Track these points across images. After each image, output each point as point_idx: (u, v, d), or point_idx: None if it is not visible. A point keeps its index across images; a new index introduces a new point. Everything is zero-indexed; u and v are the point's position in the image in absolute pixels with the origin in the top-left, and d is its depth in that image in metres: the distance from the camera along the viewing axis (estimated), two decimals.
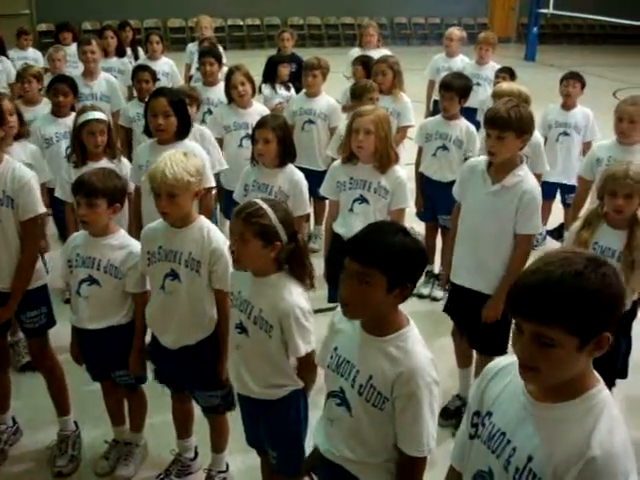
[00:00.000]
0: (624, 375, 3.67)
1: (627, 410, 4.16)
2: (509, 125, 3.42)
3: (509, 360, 1.84)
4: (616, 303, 1.61)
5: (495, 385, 1.85)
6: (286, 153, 4.17)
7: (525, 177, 3.55)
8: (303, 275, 2.77)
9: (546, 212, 6.22)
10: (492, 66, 7.35)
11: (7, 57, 7.97)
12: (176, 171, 2.96)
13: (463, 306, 3.78)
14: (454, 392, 4.07)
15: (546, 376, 1.63)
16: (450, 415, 3.89)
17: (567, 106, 6.04)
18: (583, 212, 3.61)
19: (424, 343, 2.24)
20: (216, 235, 3.09)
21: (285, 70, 6.62)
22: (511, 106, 3.49)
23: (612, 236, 3.39)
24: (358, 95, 5.26)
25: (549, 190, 5.96)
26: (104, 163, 4.20)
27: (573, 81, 5.98)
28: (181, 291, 3.08)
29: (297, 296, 2.72)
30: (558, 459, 1.63)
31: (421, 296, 5.32)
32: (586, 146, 5.86)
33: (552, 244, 5.91)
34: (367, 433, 2.25)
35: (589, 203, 4.53)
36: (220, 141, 5.32)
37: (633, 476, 1.62)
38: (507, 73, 6.34)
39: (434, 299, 5.30)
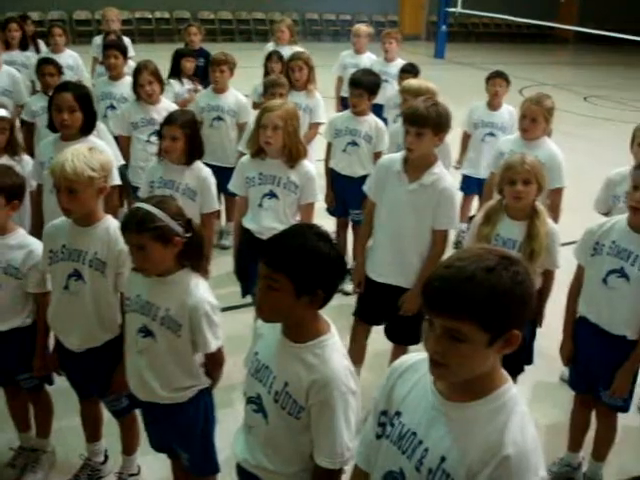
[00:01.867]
0: (530, 361, 3.78)
1: (532, 395, 4.33)
2: (428, 122, 3.49)
3: (416, 358, 1.84)
4: (526, 301, 1.63)
5: (403, 384, 1.84)
6: (194, 150, 4.11)
7: (441, 174, 3.64)
8: (200, 262, 2.73)
9: (468, 207, 6.37)
10: (399, 63, 7.45)
11: None
12: (77, 165, 2.86)
13: (379, 302, 3.82)
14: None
15: (455, 371, 1.64)
16: None
17: (493, 105, 6.10)
18: (484, 207, 3.69)
19: (344, 352, 2.21)
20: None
21: (189, 64, 6.51)
22: (430, 104, 3.56)
23: (512, 227, 3.47)
24: (266, 90, 5.27)
25: (472, 185, 6.13)
26: (4, 160, 4.04)
27: (500, 80, 6.04)
28: (85, 292, 2.99)
29: (204, 291, 2.69)
30: (471, 459, 1.64)
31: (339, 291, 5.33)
32: None
33: None
34: (283, 441, 2.21)
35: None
36: (128, 138, 5.24)
37: (542, 470, 1.67)
38: (411, 69, 6.34)
39: (345, 293, 5.34)
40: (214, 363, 2.80)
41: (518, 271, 1.61)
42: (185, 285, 2.67)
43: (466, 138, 6.26)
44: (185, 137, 4.02)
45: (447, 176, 3.69)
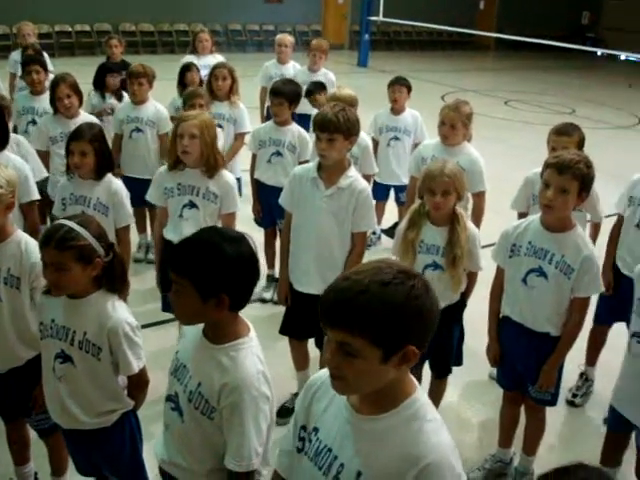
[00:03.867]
0: (460, 362, 3.86)
1: (463, 394, 4.40)
2: (338, 128, 3.54)
3: None
4: (422, 317, 1.58)
5: (320, 399, 1.82)
6: (103, 164, 4.02)
7: (356, 177, 3.71)
8: (122, 288, 2.68)
9: (380, 213, 6.49)
10: (324, 73, 7.52)
11: None
12: None
13: (307, 313, 3.80)
14: (293, 391, 4.14)
15: (353, 385, 1.62)
16: (288, 413, 3.92)
17: (395, 110, 6.25)
18: (408, 211, 3.74)
19: (260, 356, 2.19)
20: (34, 249, 2.89)
21: (114, 80, 6.40)
22: (338, 110, 3.61)
23: (435, 233, 3.53)
24: (185, 101, 5.25)
25: (382, 191, 6.26)
26: None
27: (399, 86, 6.19)
28: (3, 310, 2.90)
29: (122, 312, 2.62)
30: (388, 471, 1.63)
31: (264, 300, 5.34)
32: (416, 147, 6.08)
33: (388, 243, 6.10)
34: (196, 440, 2.21)
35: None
36: (47, 153, 5.13)
37: (463, 475, 1.68)
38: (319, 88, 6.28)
39: (263, 301, 5.35)
40: (137, 384, 2.73)
41: (414, 285, 1.57)
42: (101, 307, 2.59)
43: (376, 145, 6.37)
44: (94, 151, 3.93)
45: (362, 179, 3.77)
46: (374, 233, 6.65)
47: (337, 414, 1.74)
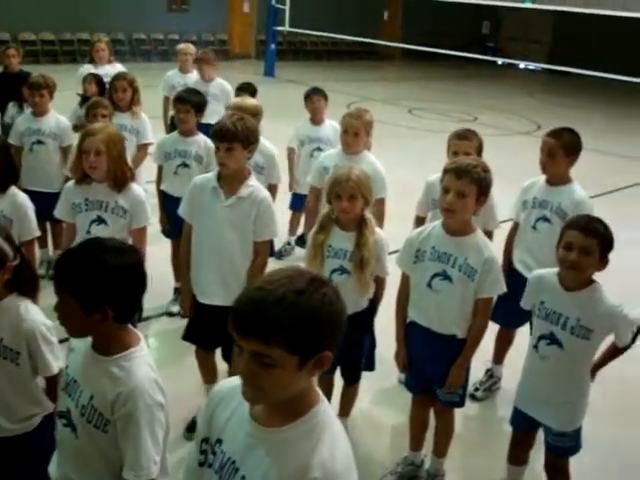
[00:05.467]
0: (371, 368, 3.91)
1: (374, 399, 4.44)
2: (236, 137, 3.56)
3: (234, 383, 1.77)
4: (336, 322, 1.61)
5: (223, 410, 1.79)
6: (7, 176, 3.88)
7: (257, 186, 3.72)
8: (33, 290, 2.65)
9: (295, 223, 6.53)
10: (219, 83, 7.55)
11: None
12: None
13: (211, 324, 3.76)
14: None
15: (267, 395, 1.61)
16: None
17: (316, 121, 6.30)
18: (318, 217, 3.76)
19: (152, 364, 2.18)
20: None
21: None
22: (236, 119, 3.63)
23: (343, 238, 3.56)
24: (88, 112, 5.13)
25: (299, 202, 6.28)
26: None
27: (317, 97, 6.25)
28: None
29: (36, 314, 2.60)
30: None
31: (171, 314, 5.24)
32: None
33: (301, 252, 6.09)
34: (92, 456, 2.17)
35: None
36: None
37: None
38: (247, 87, 6.41)
39: (170, 314, 5.24)
40: (56, 384, 2.63)
41: (327, 292, 1.59)
42: (15, 311, 2.57)
43: (292, 154, 6.42)
44: None
45: (262, 187, 3.79)
46: (289, 244, 6.67)
47: (240, 425, 1.72)
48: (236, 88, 6.62)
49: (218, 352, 4.00)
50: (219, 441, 1.76)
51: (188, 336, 3.94)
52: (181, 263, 3.94)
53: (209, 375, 4.02)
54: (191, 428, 3.89)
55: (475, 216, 3.35)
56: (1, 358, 2.56)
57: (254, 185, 3.70)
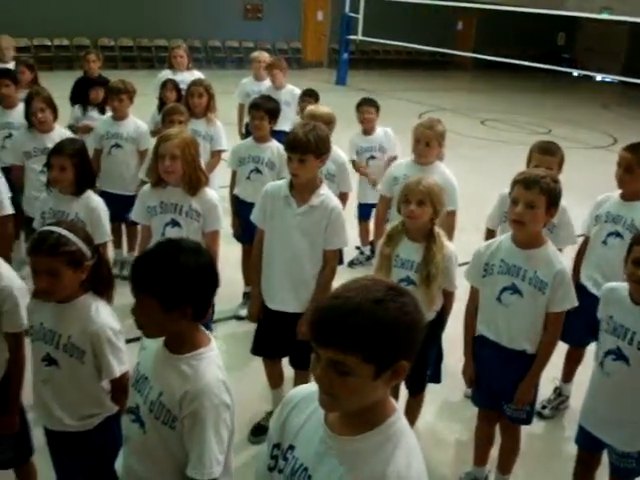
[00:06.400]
0: (437, 380, 3.88)
1: (439, 412, 4.40)
2: (309, 148, 3.55)
3: (309, 389, 1.79)
4: (413, 333, 1.60)
5: (296, 416, 1.80)
6: (83, 180, 4.02)
7: (328, 195, 3.72)
8: (109, 291, 2.72)
9: (365, 233, 6.52)
10: (289, 90, 7.62)
11: None
12: None
13: (279, 331, 3.80)
14: (267, 409, 4.12)
15: (343, 403, 1.60)
16: (262, 432, 3.91)
17: (367, 131, 6.39)
18: (387, 227, 3.76)
19: (221, 365, 2.22)
20: (4, 272, 2.88)
21: (96, 94, 6.41)
22: (309, 129, 3.62)
23: (411, 249, 3.55)
24: (165, 117, 5.24)
25: (366, 211, 6.30)
26: None
27: (366, 107, 6.34)
28: None
29: (106, 316, 2.66)
30: None
31: (239, 318, 5.31)
32: (390, 161, 6.16)
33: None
34: (159, 451, 2.21)
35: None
36: (21, 168, 5.11)
37: None
38: (310, 94, 6.58)
39: (239, 318, 5.28)
40: (119, 389, 2.73)
41: (405, 302, 1.58)
42: (86, 311, 2.64)
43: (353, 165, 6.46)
44: (74, 167, 3.93)
45: (334, 197, 3.78)
46: (362, 253, 6.67)
47: (314, 433, 1.72)
48: (302, 94, 6.74)
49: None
50: (291, 447, 1.77)
51: (257, 349, 3.97)
52: (252, 268, 3.97)
53: (275, 380, 4.06)
54: (255, 432, 3.94)
55: (549, 231, 3.30)
56: (67, 355, 2.63)
57: (325, 194, 3.70)
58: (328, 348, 1.56)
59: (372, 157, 6.39)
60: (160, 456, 2.21)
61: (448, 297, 3.68)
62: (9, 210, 4.10)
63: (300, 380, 3.86)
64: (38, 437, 3.09)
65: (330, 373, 1.57)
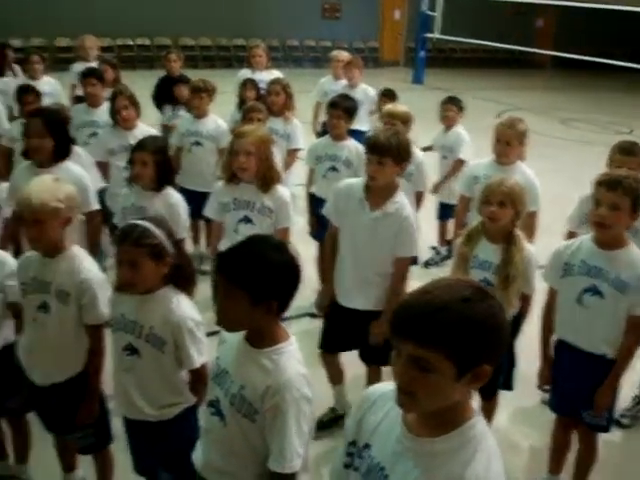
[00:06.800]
0: (510, 387, 3.81)
1: (514, 418, 4.33)
2: (389, 152, 3.55)
3: (388, 387, 1.76)
4: (498, 336, 1.58)
5: (373, 414, 1.79)
6: (164, 176, 4.12)
7: (402, 203, 3.70)
8: (188, 286, 2.78)
9: (443, 231, 6.48)
10: (363, 89, 7.62)
11: None
12: (42, 197, 2.86)
13: (348, 326, 3.83)
14: (329, 405, 4.16)
15: (422, 402, 1.58)
16: (322, 427, 3.95)
17: (445, 128, 6.40)
18: (466, 227, 3.73)
19: (300, 359, 2.24)
20: (86, 266, 2.99)
21: (184, 92, 6.55)
22: (391, 134, 3.63)
23: (490, 250, 3.51)
24: (244, 115, 5.31)
25: (446, 211, 6.29)
26: None
27: (450, 105, 6.35)
28: (50, 324, 2.97)
29: (187, 308, 2.73)
30: None
31: (313, 315, 5.33)
32: (457, 164, 6.17)
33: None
34: (238, 444, 2.24)
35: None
36: (106, 165, 5.26)
37: None
38: (388, 93, 6.60)
39: (313, 315, 5.30)
40: (198, 380, 2.80)
41: (492, 304, 1.57)
42: (167, 302, 2.71)
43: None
44: (155, 163, 4.02)
45: (408, 205, 3.75)
46: (438, 253, 6.65)
47: (390, 432, 1.71)
48: (380, 94, 6.74)
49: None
50: (367, 445, 1.76)
51: (324, 344, 4.02)
52: (324, 262, 4.00)
53: (335, 376, 4.11)
54: (316, 427, 3.93)
55: (631, 235, 3.21)
56: (149, 345, 2.71)
57: (400, 201, 3.68)
58: (411, 343, 1.54)
59: (444, 157, 6.39)
60: (240, 449, 2.25)
61: (526, 300, 3.62)
62: (96, 205, 4.24)
63: (373, 376, 3.91)
64: (116, 426, 3.18)
65: (411, 369, 1.55)
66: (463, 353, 1.53)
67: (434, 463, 1.60)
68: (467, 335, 1.52)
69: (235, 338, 2.30)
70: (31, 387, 3.12)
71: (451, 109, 6.32)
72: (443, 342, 1.51)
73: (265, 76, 7.14)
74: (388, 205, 3.64)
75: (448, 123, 6.36)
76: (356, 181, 3.87)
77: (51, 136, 4.04)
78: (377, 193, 3.67)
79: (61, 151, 4.12)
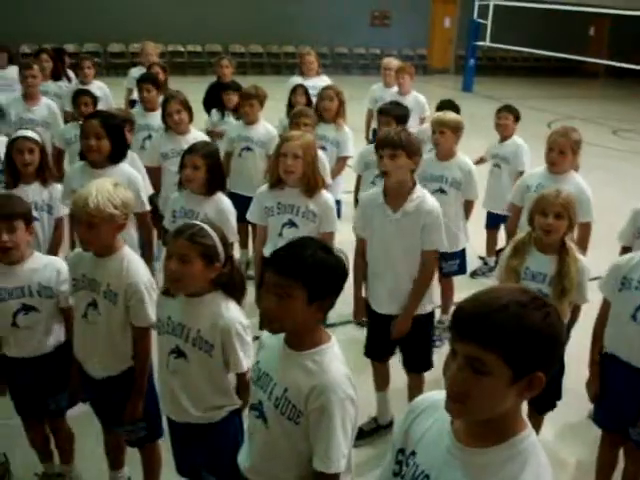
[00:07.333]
0: (559, 397, 3.74)
1: (559, 433, 4.26)
2: (399, 144, 3.59)
3: (437, 396, 1.76)
4: (555, 344, 1.58)
5: (421, 423, 1.79)
6: (214, 181, 4.15)
7: (423, 197, 3.71)
8: (237, 292, 2.80)
9: (491, 242, 6.40)
10: (414, 96, 7.60)
11: None
12: (99, 202, 2.90)
13: (386, 333, 3.84)
14: (371, 415, 4.15)
15: (474, 407, 1.56)
16: (362, 436, 3.95)
17: (502, 138, 6.27)
18: (513, 239, 3.68)
19: (343, 360, 2.25)
20: (135, 268, 3.03)
21: (231, 97, 6.62)
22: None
23: (543, 261, 3.47)
24: (292, 120, 5.36)
25: (495, 220, 6.23)
26: (36, 187, 4.17)
27: (506, 113, 6.23)
28: (100, 321, 3.03)
29: (235, 311, 2.74)
30: None
31: (360, 323, 5.32)
32: (517, 176, 6.01)
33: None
34: (282, 447, 2.26)
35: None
36: (158, 169, 5.32)
37: None
38: (448, 105, 6.42)
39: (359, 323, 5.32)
40: (245, 383, 2.80)
41: (550, 313, 1.56)
42: (216, 306, 2.72)
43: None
44: (206, 167, 4.06)
45: (428, 197, 3.75)
46: (485, 264, 6.56)
47: (438, 440, 1.70)
48: (439, 105, 6.63)
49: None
50: (413, 453, 1.76)
51: (368, 351, 4.06)
52: (355, 273, 3.97)
53: (380, 382, 4.11)
54: (357, 435, 3.91)
55: None
56: (196, 348, 2.72)
57: (419, 196, 3.69)
58: (469, 343, 1.54)
59: (496, 165, 6.27)
60: (282, 451, 2.27)
61: (575, 311, 3.57)
62: (147, 207, 4.37)
63: (414, 383, 3.93)
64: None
65: (465, 371, 1.55)
66: (519, 356, 1.52)
67: (483, 475, 1.59)
68: (525, 338, 1.51)
69: (275, 342, 2.32)
70: (86, 380, 3.18)
71: (507, 117, 6.20)
72: (500, 343, 1.51)
73: (316, 82, 7.18)
74: (407, 205, 3.66)
75: (505, 132, 6.22)
76: (375, 189, 3.90)
77: (108, 138, 4.11)
78: (395, 194, 3.69)
79: (117, 153, 4.20)
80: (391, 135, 3.66)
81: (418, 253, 3.74)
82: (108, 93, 7.54)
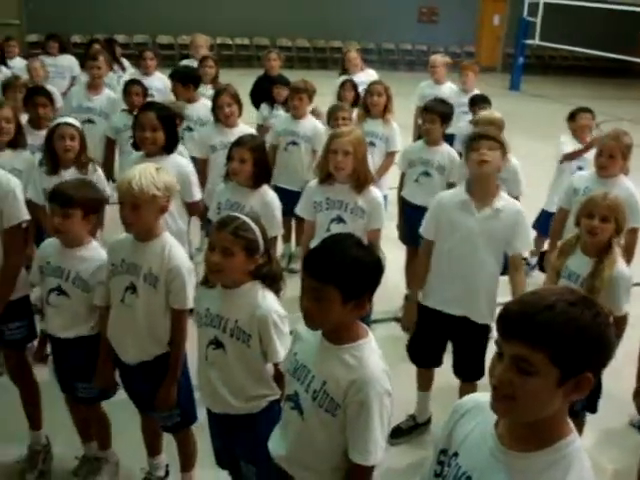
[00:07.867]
0: (593, 410, 3.67)
1: (599, 439, 4.20)
2: (497, 140, 3.61)
3: (482, 398, 1.76)
4: (603, 344, 1.54)
5: (465, 424, 1.78)
6: (261, 174, 4.17)
7: (509, 199, 3.68)
8: (275, 284, 2.82)
9: (540, 242, 6.27)
10: (475, 94, 7.46)
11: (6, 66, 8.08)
12: (142, 183, 2.95)
13: (440, 335, 3.81)
14: (409, 413, 4.15)
15: (519, 408, 1.55)
16: (400, 434, 3.96)
17: (579, 141, 6.03)
18: (562, 241, 3.65)
19: (381, 355, 2.28)
20: (177, 253, 3.07)
21: (282, 92, 6.63)
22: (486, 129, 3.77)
23: (582, 262, 3.44)
24: (330, 115, 5.39)
25: (546, 220, 6.07)
26: (72, 172, 4.25)
27: (586, 113, 6.13)
28: (138, 305, 3.07)
29: (272, 302, 2.76)
30: None
31: (399, 320, 5.30)
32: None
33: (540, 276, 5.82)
34: (317, 438, 2.29)
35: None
36: (205, 161, 5.37)
37: None
38: (481, 100, 6.48)
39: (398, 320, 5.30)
40: (281, 372, 2.79)
41: (599, 313, 1.54)
42: (253, 297, 2.74)
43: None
44: (253, 160, 4.08)
45: (515, 200, 3.75)
46: (528, 264, 6.46)
47: (481, 442, 1.69)
48: (472, 100, 6.68)
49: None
50: (456, 454, 1.76)
51: (414, 357, 4.04)
52: (417, 277, 3.95)
53: (424, 383, 4.09)
54: (394, 434, 3.89)
55: None
56: (234, 338, 2.74)
57: (507, 198, 3.68)
58: (515, 342, 1.52)
59: (580, 168, 5.81)
60: (318, 442, 2.30)
61: (618, 322, 3.38)
62: (199, 196, 4.47)
63: (465, 390, 3.81)
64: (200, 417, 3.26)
65: (512, 371, 1.53)
66: (567, 356, 1.50)
67: (526, 478, 1.58)
68: (573, 338, 1.50)
69: (312, 335, 2.34)
70: (121, 366, 3.24)
71: (587, 117, 6.04)
72: (548, 341, 1.49)
73: (362, 78, 7.16)
74: (496, 202, 3.59)
75: (582, 133, 6.00)
76: (451, 190, 3.86)
77: (163, 129, 4.18)
78: (482, 191, 3.61)
79: (170, 144, 4.26)
80: (491, 130, 3.77)
81: (496, 256, 3.68)
82: (168, 84, 7.61)
